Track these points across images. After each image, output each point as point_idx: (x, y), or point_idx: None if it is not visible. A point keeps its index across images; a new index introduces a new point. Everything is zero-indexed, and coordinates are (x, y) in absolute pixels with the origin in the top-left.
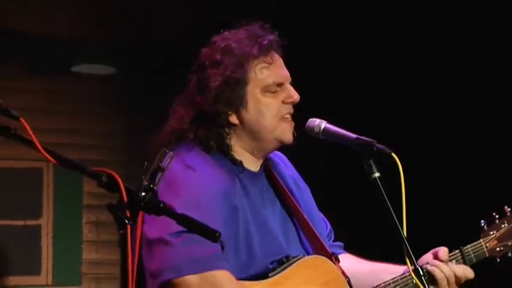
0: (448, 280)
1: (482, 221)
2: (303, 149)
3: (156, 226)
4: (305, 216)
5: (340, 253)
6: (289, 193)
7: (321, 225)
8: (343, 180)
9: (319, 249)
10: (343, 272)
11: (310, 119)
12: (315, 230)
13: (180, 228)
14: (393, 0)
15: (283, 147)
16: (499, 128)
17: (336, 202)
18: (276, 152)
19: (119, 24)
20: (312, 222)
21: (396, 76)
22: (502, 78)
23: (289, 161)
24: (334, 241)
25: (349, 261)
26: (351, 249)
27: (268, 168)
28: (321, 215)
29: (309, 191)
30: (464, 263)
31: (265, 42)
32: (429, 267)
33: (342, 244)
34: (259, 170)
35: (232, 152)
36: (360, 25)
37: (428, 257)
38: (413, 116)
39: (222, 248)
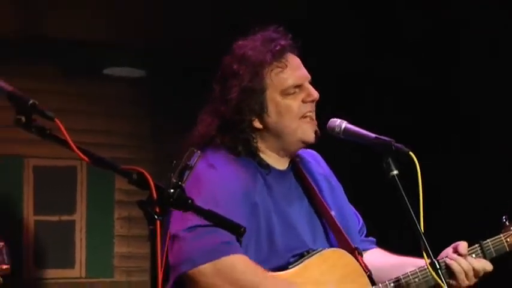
0: (466, 273)
1: (504, 217)
2: (333, 147)
3: (174, 223)
4: (332, 214)
5: (370, 248)
6: (317, 191)
7: (353, 221)
8: (368, 178)
9: (343, 244)
10: (365, 266)
11: (331, 119)
12: (340, 227)
13: (195, 223)
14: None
15: (316, 146)
16: (504, 124)
17: (362, 199)
18: (308, 150)
19: (148, 29)
20: (343, 218)
21: (397, 76)
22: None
23: (323, 160)
24: (366, 236)
25: (376, 256)
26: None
27: (297, 166)
28: (354, 210)
29: (341, 188)
30: (484, 257)
31: (278, 47)
32: (448, 261)
33: (374, 239)
34: (287, 168)
35: (260, 154)
36: (367, 24)
37: (448, 251)
38: (418, 115)
39: (240, 242)
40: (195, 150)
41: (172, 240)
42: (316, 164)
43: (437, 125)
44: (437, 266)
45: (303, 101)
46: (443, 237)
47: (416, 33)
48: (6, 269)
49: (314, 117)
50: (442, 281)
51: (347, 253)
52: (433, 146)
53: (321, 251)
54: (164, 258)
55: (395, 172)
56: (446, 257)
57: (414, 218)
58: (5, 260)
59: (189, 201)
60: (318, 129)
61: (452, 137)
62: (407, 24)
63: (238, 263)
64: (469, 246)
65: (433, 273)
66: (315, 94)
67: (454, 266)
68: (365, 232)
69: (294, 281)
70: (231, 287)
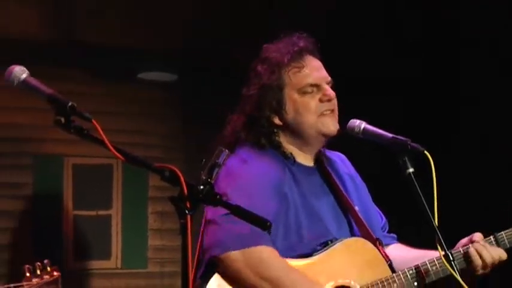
0: (482, 259)
1: None
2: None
3: (211, 210)
4: (356, 209)
5: (392, 243)
6: (342, 187)
7: (376, 217)
8: (387, 177)
9: (365, 235)
10: (385, 255)
11: (351, 120)
12: (363, 219)
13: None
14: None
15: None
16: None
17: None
18: (335, 152)
19: (178, 35)
20: (366, 213)
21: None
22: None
23: (348, 161)
24: (388, 232)
25: (398, 250)
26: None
27: (323, 164)
28: (377, 209)
29: (366, 187)
30: (499, 247)
31: (296, 49)
32: (464, 248)
33: (395, 236)
34: (313, 165)
35: (283, 148)
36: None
37: (464, 242)
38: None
39: (269, 231)
40: (223, 149)
41: (208, 224)
42: (342, 164)
43: (447, 124)
44: (451, 257)
45: (320, 100)
46: (457, 231)
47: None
48: None
49: (335, 113)
50: (455, 271)
51: (369, 242)
52: (445, 145)
53: (344, 239)
54: (199, 243)
55: (411, 170)
56: (463, 245)
57: (429, 212)
58: None
59: (218, 196)
60: (337, 124)
61: (464, 135)
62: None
63: (266, 255)
64: (483, 238)
65: (447, 264)
66: (332, 94)
67: (471, 251)
68: (387, 229)
69: (317, 268)
70: (256, 277)
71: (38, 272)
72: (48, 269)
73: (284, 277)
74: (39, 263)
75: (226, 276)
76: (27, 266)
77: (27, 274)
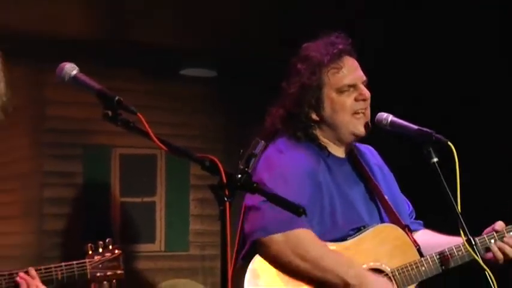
0: (504, 247)
1: None
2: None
3: (250, 197)
4: (385, 197)
5: (419, 229)
6: (372, 177)
7: (403, 205)
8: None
9: (395, 221)
10: (414, 241)
11: (379, 113)
12: (392, 207)
13: None
14: None
15: (372, 140)
16: None
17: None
18: (365, 145)
19: (218, 35)
20: (394, 201)
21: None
22: None
23: (377, 152)
24: (415, 219)
25: (426, 235)
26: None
27: (354, 155)
28: (404, 198)
29: (393, 177)
30: None
31: (335, 51)
32: (487, 237)
33: (421, 222)
34: (345, 156)
35: (318, 141)
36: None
37: (488, 230)
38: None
39: (306, 215)
40: (260, 140)
41: (249, 210)
42: (371, 155)
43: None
44: (473, 242)
45: (356, 99)
46: (481, 220)
47: None
48: (120, 274)
49: (367, 113)
50: (477, 255)
51: (398, 228)
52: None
53: (375, 225)
54: (239, 228)
55: (435, 159)
56: (487, 233)
57: (452, 199)
58: (120, 266)
59: (255, 184)
60: (369, 123)
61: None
62: None
63: (305, 236)
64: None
65: (469, 248)
66: (367, 94)
67: (493, 241)
68: (414, 216)
69: (350, 252)
70: (296, 257)
71: (100, 250)
72: (110, 247)
73: (323, 257)
74: (101, 242)
75: (268, 258)
76: (89, 244)
77: (90, 252)
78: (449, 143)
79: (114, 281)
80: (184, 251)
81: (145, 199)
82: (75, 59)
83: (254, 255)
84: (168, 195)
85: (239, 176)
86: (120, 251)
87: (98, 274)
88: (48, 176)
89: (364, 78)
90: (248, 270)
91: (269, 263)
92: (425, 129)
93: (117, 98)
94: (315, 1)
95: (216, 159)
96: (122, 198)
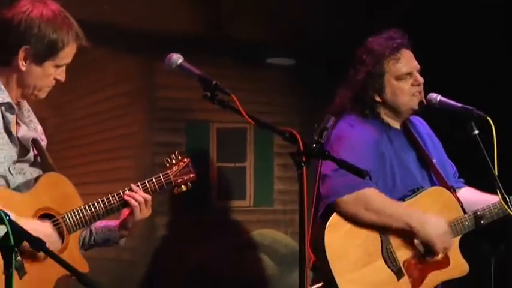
0: None
1: None
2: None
3: (325, 167)
4: (434, 162)
5: (462, 186)
6: (422, 145)
7: (449, 167)
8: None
9: (442, 183)
10: (458, 199)
11: (430, 94)
12: (440, 172)
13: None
14: None
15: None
16: None
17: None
18: (416, 116)
19: (296, 28)
20: (442, 165)
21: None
22: None
23: (426, 123)
24: (458, 178)
25: (469, 192)
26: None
27: (407, 127)
28: (449, 161)
29: (440, 144)
30: None
31: (395, 44)
32: None
33: (463, 180)
34: (401, 128)
35: (381, 118)
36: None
37: None
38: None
39: (370, 179)
40: (330, 116)
41: (323, 178)
42: (421, 125)
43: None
44: (507, 199)
45: (412, 85)
46: None
47: None
48: (193, 177)
49: (421, 94)
50: (509, 209)
51: (446, 190)
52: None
53: (427, 188)
54: (315, 191)
55: (476, 132)
56: None
57: (490, 164)
58: (191, 170)
59: (326, 153)
60: (423, 100)
61: None
62: None
63: (372, 193)
64: None
65: (504, 203)
66: (421, 80)
67: None
68: (457, 175)
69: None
70: (367, 212)
71: (174, 161)
72: (179, 157)
73: (388, 207)
74: (173, 155)
75: (343, 215)
76: (165, 159)
77: (167, 165)
78: (488, 118)
79: (189, 183)
80: (269, 206)
81: (238, 164)
82: (180, 50)
83: (331, 215)
84: (256, 161)
85: (314, 145)
86: (189, 159)
87: (179, 180)
88: (158, 146)
89: (418, 67)
90: (327, 225)
91: (344, 219)
92: (467, 106)
93: (214, 81)
94: None
95: (294, 132)
96: (218, 163)
